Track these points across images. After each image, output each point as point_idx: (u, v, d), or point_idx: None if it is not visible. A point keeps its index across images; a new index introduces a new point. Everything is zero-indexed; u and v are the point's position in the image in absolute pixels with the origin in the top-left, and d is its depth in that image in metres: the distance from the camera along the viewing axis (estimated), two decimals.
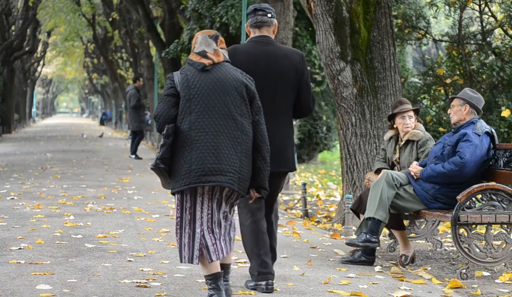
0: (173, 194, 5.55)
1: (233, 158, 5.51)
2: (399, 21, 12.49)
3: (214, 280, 5.48)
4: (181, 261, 5.51)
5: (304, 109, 6.54)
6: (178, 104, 5.56)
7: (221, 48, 5.73)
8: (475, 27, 13.50)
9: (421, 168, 7.56)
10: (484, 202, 7.02)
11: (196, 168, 5.43)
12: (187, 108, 5.53)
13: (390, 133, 8.18)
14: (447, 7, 12.13)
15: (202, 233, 5.46)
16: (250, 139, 5.61)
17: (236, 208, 5.81)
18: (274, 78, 6.32)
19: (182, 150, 5.49)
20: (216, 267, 5.48)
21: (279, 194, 13.97)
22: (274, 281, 6.23)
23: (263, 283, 6.14)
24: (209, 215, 5.51)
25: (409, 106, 8.05)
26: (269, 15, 6.40)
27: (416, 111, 8.11)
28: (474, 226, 7.00)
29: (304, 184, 11.70)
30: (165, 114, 5.54)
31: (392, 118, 8.15)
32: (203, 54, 5.64)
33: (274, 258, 6.43)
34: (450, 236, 8.68)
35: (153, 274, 6.66)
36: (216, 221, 5.52)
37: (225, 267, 5.72)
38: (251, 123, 5.65)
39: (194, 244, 5.46)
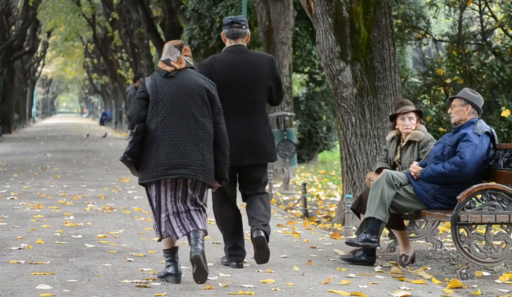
0: (141, 185, 6.45)
1: (195, 153, 6.34)
2: (399, 21, 12.48)
3: (171, 253, 6.41)
4: (159, 238, 6.45)
5: (275, 102, 7.49)
6: (147, 106, 6.40)
7: (185, 55, 6.52)
8: (475, 27, 13.49)
9: (421, 168, 7.56)
10: (484, 202, 7.02)
11: (163, 163, 6.28)
12: (155, 110, 6.37)
13: (392, 134, 8.18)
14: (447, 7, 12.12)
15: (167, 218, 6.34)
16: (211, 136, 6.45)
17: (208, 194, 6.62)
18: (248, 82, 7.20)
19: (150, 147, 6.34)
20: (173, 243, 6.41)
21: (279, 194, 14.05)
22: (244, 261, 7.26)
23: (234, 263, 7.18)
24: (173, 202, 6.37)
25: (411, 107, 8.04)
26: (243, 27, 7.28)
27: (418, 113, 8.10)
28: (474, 226, 7.00)
29: (304, 184, 11.69)
30: (136, 115, 6.40)
31: (393, 118, 8.15)
32: (167, 62, 6.47)
33: (266, 225, 7.11)
34: (450, 236, 8.68)
35: (153, 274, 6.66)
36: (182, 207, 6.37)
37: (199, 233, 6.29)
38: (211, 123, 6.47)
39: (160, 227, 6.38)
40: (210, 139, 6.44)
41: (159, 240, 6.47)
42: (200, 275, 6.16)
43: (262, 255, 6.97)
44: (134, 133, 6.35)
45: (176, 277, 6.37)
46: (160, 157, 6.28)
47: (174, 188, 6.36)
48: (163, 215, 6.36)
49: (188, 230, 6.29)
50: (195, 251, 6.15)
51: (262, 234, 6.97)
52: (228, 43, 7.31)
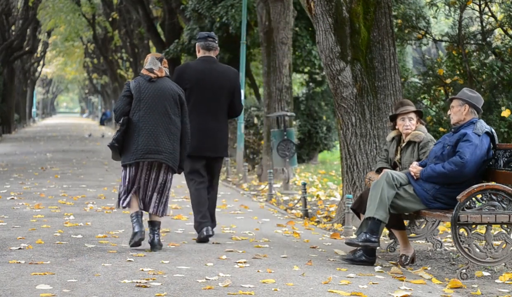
0: (124, 166, 8.02)
1: (167, 143, 7.96)
2: (399, 21, 12.49)
3: (136, 216, 7.96)
4: (117, 207, 8.18)
5: (236, 110, 8.99)
6: (131, 103, 8.02)
7: (164, 67, 8.19)
8: (475, 27, 13.50)
9: (421, 168, 7.55)
10: (484, 202, 7.01)
11: (141, 148, 7.92)
12: (137, 106, 8.00)
13: (392, 134, 8.18)
14: (447, 7, 12.12)
15: (137, 190, 8.00)
16: (179, 131, 8.08)
17: (171, 181, 8.10)
18: (215, 88, 8.78)
19: (132, 135, 7.96)
20: (137, 207, 8.00)
21: (279, 194, 14.06)
22: (212, 229, 8.67)
23: (204, 230, 8.52)
24: (146, 180, 8.02)
25: (411, 108, 8.04)
26: (216, 42, 8.92)
27: (418, 113, 8.10)
28: (474, 226, 7.00)
29: (304, 184, 11.69)
30: (122, 109, 8.03)
31: (394, 119, 8.15)
32: (150, 70, 8.12)
33: (213, 221, 8.86)
34: (450, 236, 8.68)
35: (153, 274, 6.66)
36: (150, 187, 8.00)
37: (155, 223, 8.00)
38: (180, 121, 8.08)
39: (126, 197, 7.98)
40: (178, 133, 8.09)
41: (118, 207, 8.17)
42: (158, 249, 7.95)
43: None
44: (120, 124, 7.97)
45: (140, 232, 7.89)
46: (140, 144, 7.93)
47: (149, 170, 8.00)
48: (135, 187, 8.01)
49: (147, 211, 8.02)
50: (152, 242, 7.93)
51: (210, 232, 8.57)
52: (202, 53, 8.89)
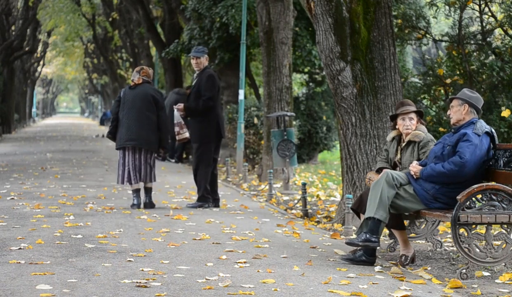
0: (117, 149, 11.44)
1: (142, 132, 11.23)
2: (399, 21, 12.49)
3: (136, 192, 11.37)
4: (117, 182, 11.48)
5: None
6: (119, 106, 11.41)
7: (143, 76, 11.44)
8: (475, 27, 13.49)
9: (421, 167, 7.55)
10: (484, 202, 7.01)
11: (123, 137, 11.29)
12: (122, 108, 11.38)
13: (392, 134, 8.18)
14: (447, 7, 12.12)
15: (128, 171, 11.33)
16: (154, 123, 11.32)
17: (151, 158, 11.51)
18: None
19: (119, 128, 11.36)
20: (137, 186, 11.39)
21: (279, 194, 14.08)
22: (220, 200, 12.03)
23: (211, 201, 11.77)
24: (132, 160, 11.36)
25: (411, 108, 8.04)
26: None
27: (418, 113, 8.10)
28: (474, 226, 7.00)
29: (304, 184, 11.69)
30: (114, 111, 11.53)
31: (394, 118, 8.15)
32: (133, 80, 11.46)
33: (217, 199, 11.90)
34: (450, 236, 8.67)
35: (153, 274, 6.66)
36: (137, 165, 11.34)
37: (148, 189, 11.45)
38: (155, 115, 11.34)
39: (124, 175, 11.35)
40: (153, 124, 11.29)
41: (119, 183, 11.46)
42: (149, 208, 11.24)
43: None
44: (112, 121, 11.51)
45: (138, 206, 11.29)
46: (122, 134, 11.29)
47: (133, 153, 11.34)
48: (126, 168, 11.29)
49: (140, 181, 11.29)
50: (145, 200, 11.37)
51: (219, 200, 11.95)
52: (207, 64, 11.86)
